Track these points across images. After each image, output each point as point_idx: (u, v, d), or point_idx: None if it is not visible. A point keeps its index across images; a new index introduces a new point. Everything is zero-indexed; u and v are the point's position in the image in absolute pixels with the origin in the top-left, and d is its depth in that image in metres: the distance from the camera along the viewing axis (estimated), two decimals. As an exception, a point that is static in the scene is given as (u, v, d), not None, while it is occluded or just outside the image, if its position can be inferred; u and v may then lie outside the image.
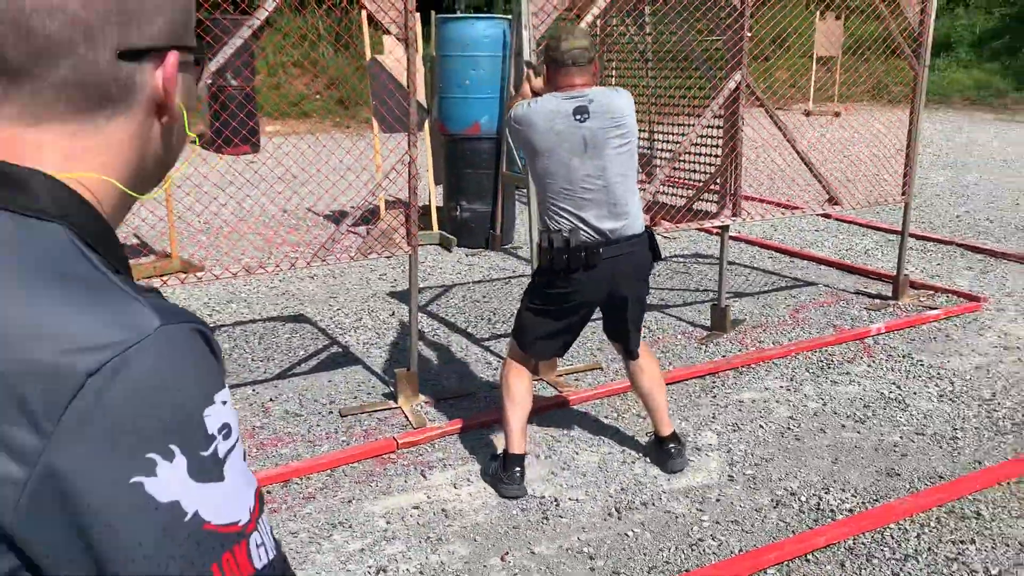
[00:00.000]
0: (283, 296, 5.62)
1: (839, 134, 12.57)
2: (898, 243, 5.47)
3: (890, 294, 5.42)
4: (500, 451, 3.34)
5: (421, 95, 6.87)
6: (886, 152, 5.85)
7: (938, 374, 4.25)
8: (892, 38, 5.10)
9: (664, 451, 3.40)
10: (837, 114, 15.59)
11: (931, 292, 5.51)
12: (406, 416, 3.80)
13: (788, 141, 4.84)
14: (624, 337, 3.34)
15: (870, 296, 5.49)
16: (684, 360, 4.49)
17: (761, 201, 7.95)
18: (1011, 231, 7.12)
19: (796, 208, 5.68)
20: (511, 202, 7.02)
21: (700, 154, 4.83)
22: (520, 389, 3.24)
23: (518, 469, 3.22)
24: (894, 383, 4.15)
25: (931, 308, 5.17)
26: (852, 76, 17.92)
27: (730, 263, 6.33)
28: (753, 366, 4.37)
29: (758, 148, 5.55)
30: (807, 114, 15.64)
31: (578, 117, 3.02)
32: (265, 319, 5.19)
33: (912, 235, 6.84)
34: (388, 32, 3.66)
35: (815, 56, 15.69)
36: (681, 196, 4.95)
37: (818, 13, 15.98)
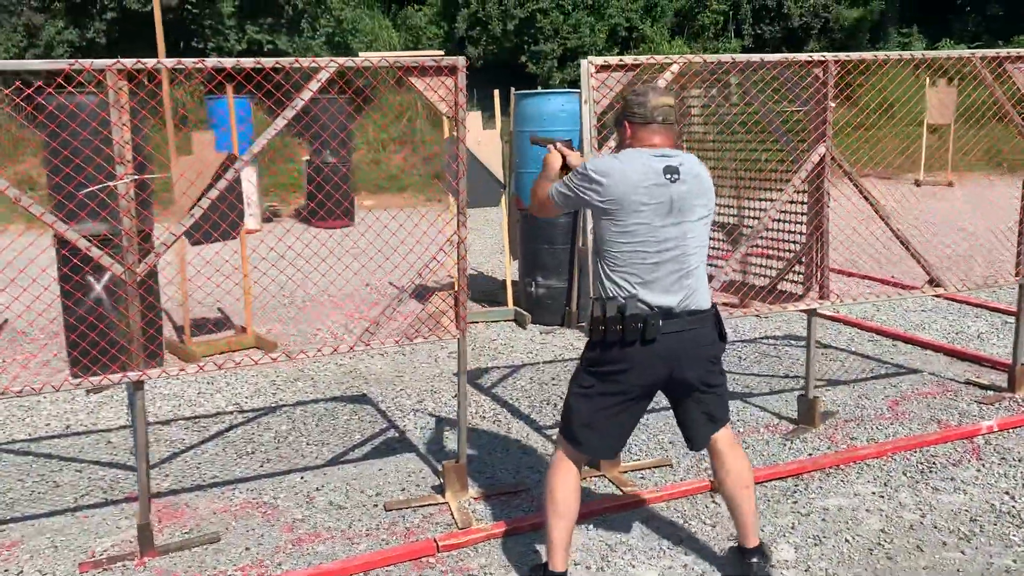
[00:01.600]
0: (350, 375, 5.50)
1: (949, 206, 11.84)
2: (1014, 327, 4.92)
3: (1005, 385, 4.85)
4: (542, 562, 3.03)
5: (498, 170, 6.81)
6: (1002, 226, 5.33)
7: (1062, 484, 3.70)
8: (1001, 105, 4.66)
9: (745, 564, 3.03)
10: (950, 183, 14.78)
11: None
12: (452, 514, 3.54)
13: (881, 218, 4.44)
14: (689, 427, 2.99)
15: (982, 387, 4.92)
16: (765, 458, 4.07)
17: (864, 278, 7.46)
18: None
19: (898, 286, 5.21)
20: (588, 278, 6.78)
21: (785, 231, 4.48)
22: (565, 495, 2.92)
23: None
24: (1007, 492, 3.62)
25: (1054, 403, 4.59)
26: (964, 144, 17.04)
27: (825, 346, 5.91)
28: (843, 467, 3.92)
29: (865, 220, 5.16)
30: (917, 184, 14.88)
31: (668, 176, 2.78)
32: (328, 399, 5.06)
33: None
34: (445, 116, 3.52)
35: (925, 123, 14.97)
36: (765, 276, 4.60)
37: (928, 80, 15.32)
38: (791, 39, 18.44)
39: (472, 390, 5.15)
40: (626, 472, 3.93)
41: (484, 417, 4.73)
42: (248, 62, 3.15)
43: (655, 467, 4.01)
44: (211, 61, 3.13)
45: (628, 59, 3.82)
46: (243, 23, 15.03)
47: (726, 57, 4.03)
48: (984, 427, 4.25)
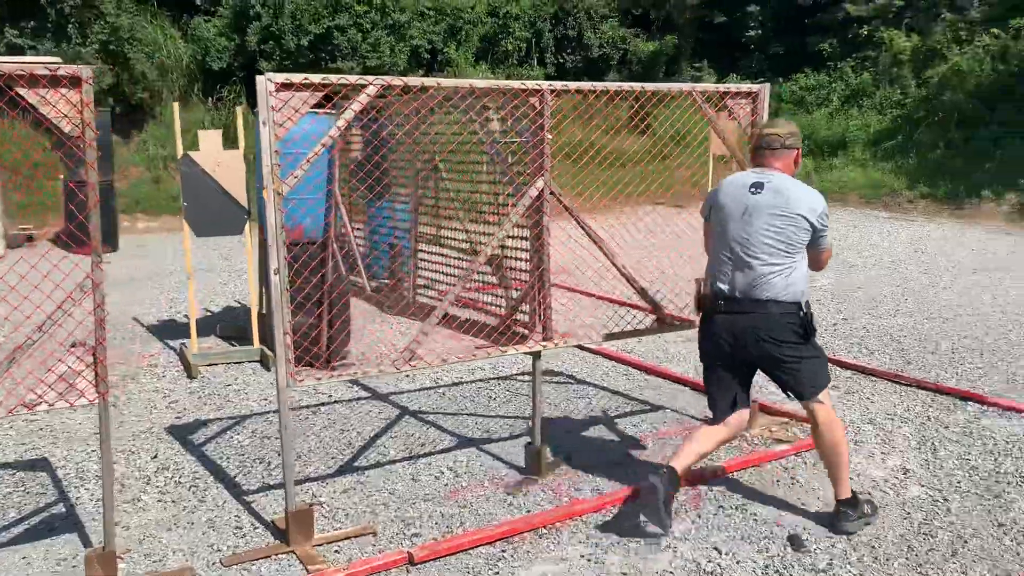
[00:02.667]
0: (38, 432, 4.72)
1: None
2: (748, 364, 4.87)
3: (740, 423, 4.79)
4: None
5: (241, 194, 6.22)
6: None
7: (769, 532, 3.57)
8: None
9: (838, 511, 3.62)
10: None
11: (786, 420, 4.90)
12: (85, 615, 2.94)
13: (605, 254, 4.25)
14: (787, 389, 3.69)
15: (718, 425, 4.84)
16: (480, 518, 3.73)
17: (631, 306, 7.40)
18: (886, 342, 6.65)
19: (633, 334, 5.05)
20: (344, 313, 6.29)
21: (514, 268, 4.20)
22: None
23: None
24: (716, 548, 3.45)
25: (781, 441, 4.55)
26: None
27: (579, 382, 5.72)
28: (558, 525, 3.63)
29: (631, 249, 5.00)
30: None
31: (752, 190, 3.58)
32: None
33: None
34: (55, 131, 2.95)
35: (711, 154, 15.62)
36: (495, 314, 4.30)
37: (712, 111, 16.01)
38: (591, 69, 18.85)
39: (176, 449, 4.53)
40: (320, 544, 3.46)
41: (180, 482, 4.12)
42: None
43: (357, 536, 3.56)
44: None
45: (316, 78, 3.40)
46: (1, 26, 13.53)
47: (431, 81, 3.70)
48: (708, 471, 4.11)
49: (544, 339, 4.03)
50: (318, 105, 3.81)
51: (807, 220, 3.51)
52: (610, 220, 6.40)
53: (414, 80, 3.63)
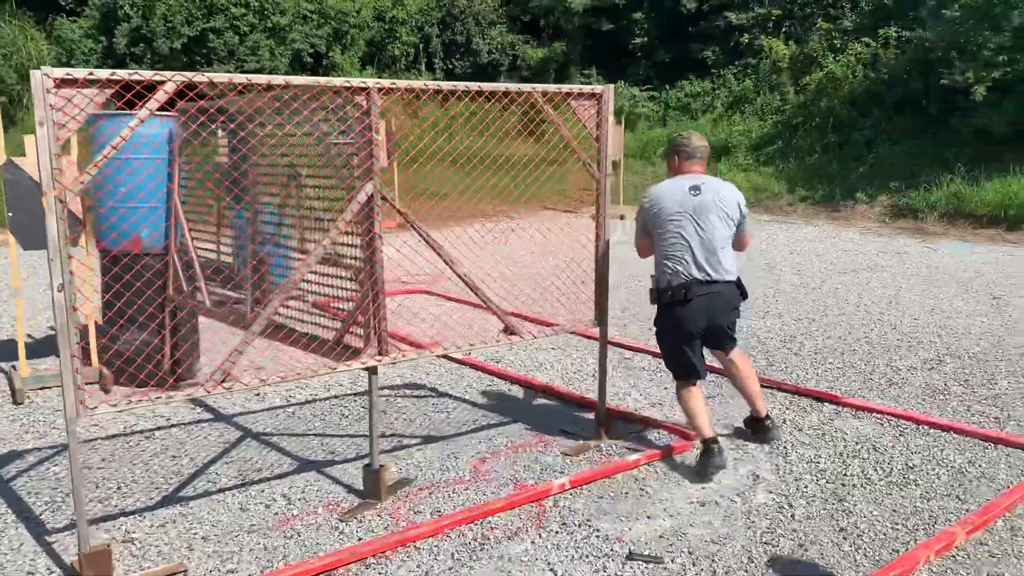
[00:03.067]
0: None
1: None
2: (598, 371, 4.75)
3: (594, 431, 4.66)
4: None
5: (75, 204, 5.76)
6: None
7: (611, 549, 3.43)
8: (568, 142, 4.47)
9: (763, 427, 4.60)
10: (622, 217, 15.54)
11: (642, 427, 4.80)
12: None
13: (447, 263, 4.05)
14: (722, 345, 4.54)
15: (571, 437, 4.70)
16: (306, 549, 3.46)
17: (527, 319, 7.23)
18: (753, 344, 6.68)
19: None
20: (192, 329, 5.89)
21: (345, 278, 3.95)
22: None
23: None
24: (552, 568, 3.28)
25: (634, 451, 4.44)
26: (640, 179, 18.21)
27: (441, 395, 5.50)
28: (388, 554, 3.40)
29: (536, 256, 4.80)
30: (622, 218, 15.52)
31: (692, 192, 4.26)
32: None
33: (641, 350, 6.27)
34: None
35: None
36: (330, 328, 4.04)
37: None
38: (481, 74, 18.75)
39: (-21, 484, 4.10)
40: (119, 589, 3.13)
41: (-28, 523, 3.70)
42: None
43: (165, 576, 3.25)
44: None
45: (103, 73, 3.08)
46: None
47: (240, 78, 3.42)
48: (556, 486, 3.95)
49: (379, 353, 3.80)
50: (162, 108, 3.46)
51: (739, 210, 4.34)
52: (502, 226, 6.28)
53: (220, 76, 3.35)
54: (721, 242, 4.26)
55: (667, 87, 19.85)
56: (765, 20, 19.32)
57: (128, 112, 4.61)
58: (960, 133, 14.83)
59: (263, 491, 4.02)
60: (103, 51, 14.41)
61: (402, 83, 3.80)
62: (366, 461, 4.18)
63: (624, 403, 5.25)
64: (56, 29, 14.81)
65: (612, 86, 4.37)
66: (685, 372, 4.40)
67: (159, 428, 4.91)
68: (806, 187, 16.59)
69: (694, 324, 4.29)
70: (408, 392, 5.54)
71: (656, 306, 4.42)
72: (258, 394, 5.44)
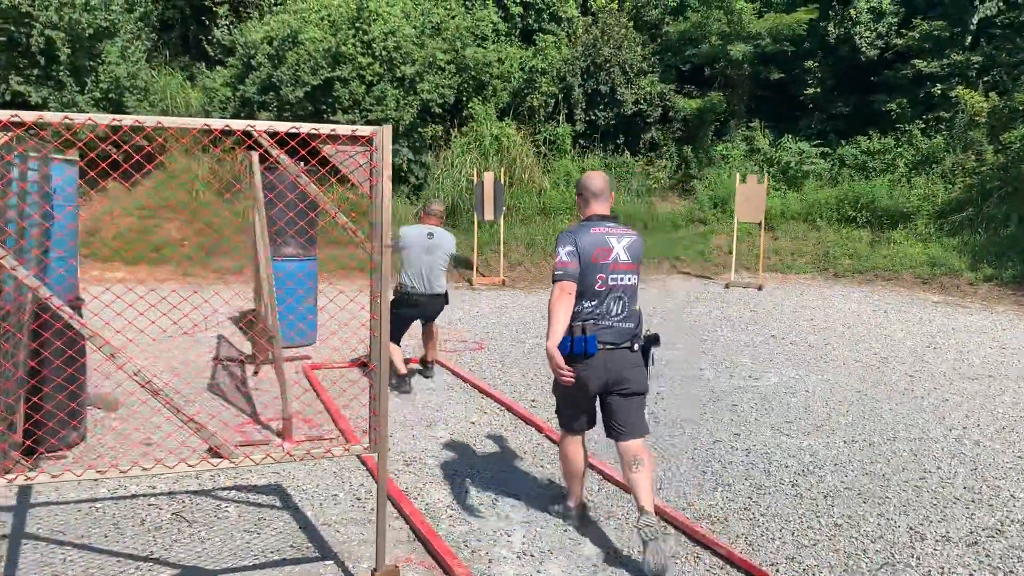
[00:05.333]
0: None
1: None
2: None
3: None
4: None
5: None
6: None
7: None
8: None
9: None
10: (760, 287, 13.66)
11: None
12: None
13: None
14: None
15: None
16: None
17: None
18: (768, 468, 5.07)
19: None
20: (57, 394, 5.33)
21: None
22: None
23: None
24: None
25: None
26: (800, 245, 16.12)
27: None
28: None
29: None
30: (727, 286, 13.75)
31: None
32: None
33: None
34: None
35: (736, 222, 13.98)
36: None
37: (738, 176, 14.44)
38: (628, 125, 17.62)
39: None
40: None
41: None
42: None
43: None
44: None
45: None
46: (7, 74, 13.72)
47: (80, 117, 2.70)
48: None
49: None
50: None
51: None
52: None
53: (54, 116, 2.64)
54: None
55: (843, 142, 17.65)
56: (963, 68, 16.68)
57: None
58: None
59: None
60: (239, 99, 14.90)
61: (53, 117, 2.92)
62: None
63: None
64: (201, 79, 15.58)
65: (388, 128, 3.14)
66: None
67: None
68: (993, 264, 13.86)
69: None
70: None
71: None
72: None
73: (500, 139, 15.99)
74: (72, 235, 5.15)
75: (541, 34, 17.82)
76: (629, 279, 3.88)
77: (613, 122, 17.39)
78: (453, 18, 16.60)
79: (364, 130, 3.08)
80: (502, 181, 13.63)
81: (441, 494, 4.65)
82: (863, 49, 17.24)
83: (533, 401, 6.60)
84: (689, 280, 14.43)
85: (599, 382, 3.85)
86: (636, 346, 3.88)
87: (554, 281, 3.75)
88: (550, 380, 6.33)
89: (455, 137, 16.19)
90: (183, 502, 4.43)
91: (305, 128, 3.03)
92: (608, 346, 3.81)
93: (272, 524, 4.18)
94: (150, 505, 4.38)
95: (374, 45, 14.88)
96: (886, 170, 16.83)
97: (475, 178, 13.71)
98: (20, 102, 13.87)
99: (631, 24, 18.01)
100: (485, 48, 16.96)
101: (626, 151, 17.57)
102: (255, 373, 7.19)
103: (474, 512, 4.40)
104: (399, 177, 15.69)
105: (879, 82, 17.55)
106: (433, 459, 5.21)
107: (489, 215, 13.37)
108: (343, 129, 3.06)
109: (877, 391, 7.17)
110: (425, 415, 6.13)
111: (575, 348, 3.73)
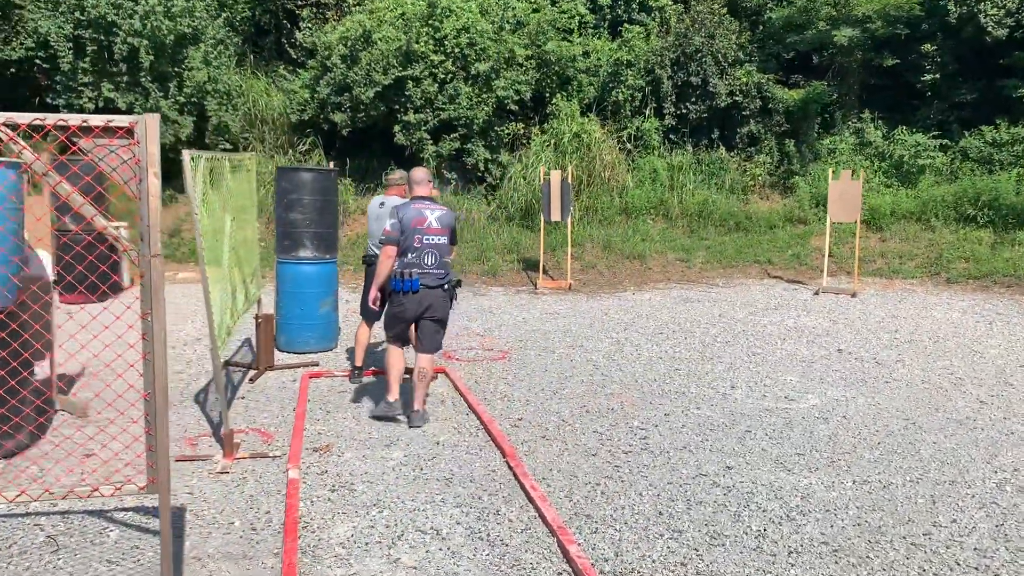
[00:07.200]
0: None
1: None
2: None
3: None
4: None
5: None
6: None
7: None
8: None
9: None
10: (854, 294, 12.38)
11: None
12: None
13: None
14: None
15: None
16: None
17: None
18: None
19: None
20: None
21: None
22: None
23: None
24: None
25: None
26: (903, 247, 14.61)
27: None
28: None
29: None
30: (817, 293, 12.53)
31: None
32: None
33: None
34: None
35: (828, 223, 12.73)
36: None
37: (831, 172, 13.19)
38: (724, 118, 16.56)
39: None
40: None
41: None
42: None
43: None
44: None
45: None
46: (100, 81, 14.36)
47: None
48: None
49: None
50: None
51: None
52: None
53: None
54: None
55: (966, 133, 15.92)
56: (1110, 46, 14.64)
57: None
58: None
59: None
60: (317, 100, 14.99)
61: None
62: None
63: None
64: (281, 79, 15.79)
65: (156, 116, 2.69)
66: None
67: None
68: None
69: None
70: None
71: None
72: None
73: (580, 136, 15.33)
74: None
75: (629, 24, 17.03)
76: (439, 239, 5.62)
77: (705, 115, 16.38)
78: (536, 11, 16.09)
79: (122, 120, 2.67)
80: (581, 180, 13.01)
81: (345, 527, 4.21)
82: (989, 28, 15.44)
83: (519, 419, 6.04)
84: (775, 285, 13.30)
85: (416, 310, 5.59)
86: (445, 287, 5.63)
87: (381, 244, 5.66)
88: (556, 393, 6.79)
89: (535, 135, 15.68)
90: (71, 522, 4.18)
91: (52, 119, 2.65)
92: (425, 287, 5.55)
93: (143, 554, 3.86)
94: (35, 525, 4.16)
95: (446, 42, 14.60)
96: (1015, 163, 15.03)
97: (542, 178, 13.16)
98: (111, 108, 14.48)
99: (725, 11, 16.91)
100: (571, 41, 16.35)
101: (721, 146, 16.50)
102: (251, 380, 7.00)
103: (367, 551, 3.93)
104: (476, 176, 15.34)
105: (1008, 65, 15.69)
106: (366, 485, 4.78)
107: (556, 215, 12.77)
108: (96, 119, 2.66)
109: (929, 420, 6.16)
110: (390, 432, 5.70)
111: (404, 287, 5.52)
